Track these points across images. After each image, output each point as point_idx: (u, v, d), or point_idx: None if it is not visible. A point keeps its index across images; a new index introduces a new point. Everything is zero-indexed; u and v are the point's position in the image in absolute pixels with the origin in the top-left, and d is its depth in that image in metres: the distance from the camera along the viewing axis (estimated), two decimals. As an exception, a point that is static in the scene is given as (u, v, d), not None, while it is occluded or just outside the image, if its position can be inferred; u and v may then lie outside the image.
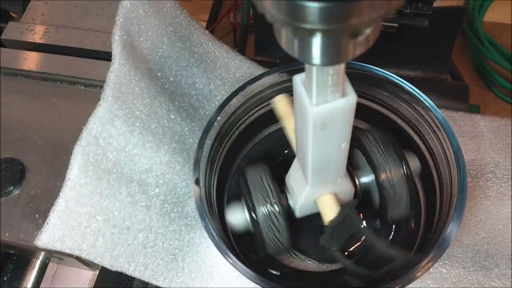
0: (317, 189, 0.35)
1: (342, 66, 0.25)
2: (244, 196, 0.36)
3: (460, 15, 0.51)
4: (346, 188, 0.36)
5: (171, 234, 0.40)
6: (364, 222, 0.41)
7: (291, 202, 0.38)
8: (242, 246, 0.40)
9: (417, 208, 0.41)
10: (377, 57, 0.36)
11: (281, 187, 0.38)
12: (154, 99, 0.40)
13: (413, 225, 0.41)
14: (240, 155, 0.46)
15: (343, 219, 0.34)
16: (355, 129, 0.31)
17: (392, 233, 0.41)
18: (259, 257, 0.39)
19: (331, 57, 0.21)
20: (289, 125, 0.38)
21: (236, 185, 0.42)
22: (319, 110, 0.27)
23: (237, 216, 0.37)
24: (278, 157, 0.45)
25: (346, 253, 0.40)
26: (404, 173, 0.36)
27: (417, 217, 0.41)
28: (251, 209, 0.36)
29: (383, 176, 0.36)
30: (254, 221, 0.36)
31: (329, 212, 0.35)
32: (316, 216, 0.37)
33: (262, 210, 0.35)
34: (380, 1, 0.18)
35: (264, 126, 0.46)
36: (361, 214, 0.41)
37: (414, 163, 0.39)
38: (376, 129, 0.39)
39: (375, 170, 0.37)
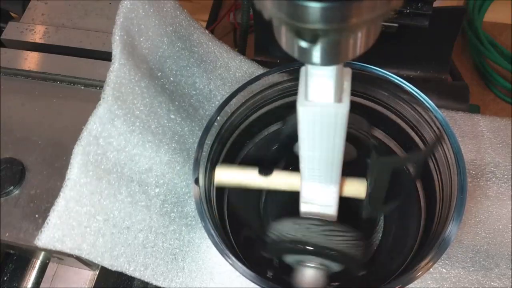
0: (338, 183, 0.35)
1: (339, 69, 0.25)
2: (312, 254, 0.34)
3: (460, 15, 0.51)
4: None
5: (171, 234, 0.40)
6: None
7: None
8: (242, 246, 0.40)
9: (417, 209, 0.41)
10: (377, 57, 0.36)
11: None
12: (154, 99, 0.40)
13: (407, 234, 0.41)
14: (240, 155, 0.46)
15: (376, 168, 0.34)
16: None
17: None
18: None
19: (331, 57, 0.21)
20: (253, 178, 0.38)
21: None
22: (345, 104, 0.27)
23: (318, 278, 0.35)
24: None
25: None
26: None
27: (417, 217, 0.41)
28: (324, 254, 0.33)
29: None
30: (338, 256, 0.34)
31: (357, 185, 0.35)
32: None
33: (336, 240, 0.33)
34: (380, 1, 0.18)
35: (264, 126, 0.46)
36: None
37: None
38: None
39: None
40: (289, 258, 0.36)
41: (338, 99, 0.27)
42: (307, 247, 0.33)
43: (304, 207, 0.36)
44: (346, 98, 0.27)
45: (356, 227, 0.34)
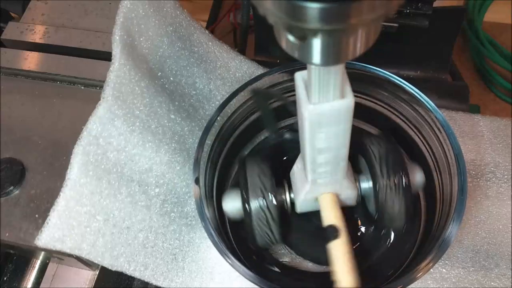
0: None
1: (341, 67, 0.25)
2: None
3: (460, 15, 0.51)
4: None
5: (171, 234, 0.40)
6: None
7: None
8: (242, 245, 0.40)
9: (415, 221, 0.41)
10: (377, 57, 0.36)
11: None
12: (154, 99, 0.40)
13: (407, 236, 0.41)
14: (240, 155, 0.46)
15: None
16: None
17: (389, 240, 0.41)
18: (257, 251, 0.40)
19: (331, 57, 0.21)
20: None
21: (237, 178, 0.42)
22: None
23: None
24: (283, 154, 0.45)
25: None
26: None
27: (417, 218, 0.41)
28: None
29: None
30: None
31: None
32: (316, 216, 0.37)
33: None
34: (380, 1, 0.18)
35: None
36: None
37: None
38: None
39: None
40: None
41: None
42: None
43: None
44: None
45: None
